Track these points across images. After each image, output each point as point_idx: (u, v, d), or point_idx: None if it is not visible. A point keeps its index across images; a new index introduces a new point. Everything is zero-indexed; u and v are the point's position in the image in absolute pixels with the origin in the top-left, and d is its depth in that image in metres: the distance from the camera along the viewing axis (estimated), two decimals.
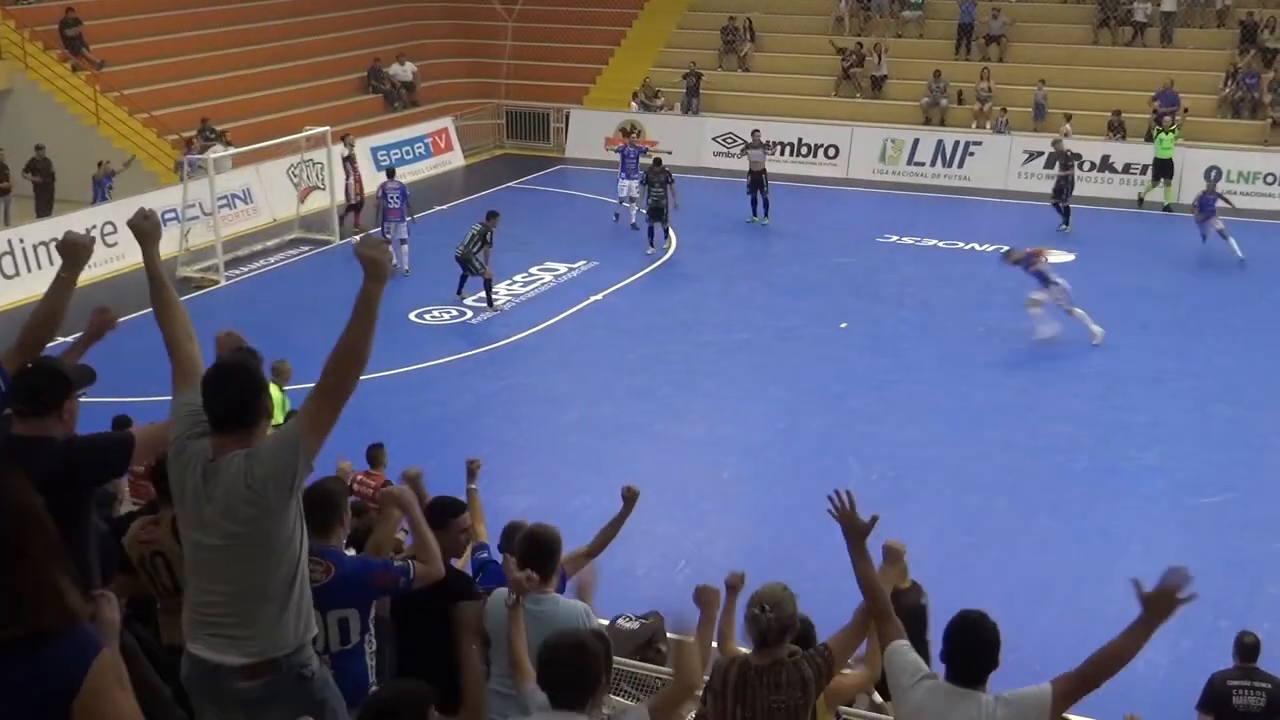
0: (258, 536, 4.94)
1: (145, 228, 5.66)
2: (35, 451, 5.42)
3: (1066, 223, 27.85)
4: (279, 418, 15.05)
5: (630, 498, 8.56)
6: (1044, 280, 21.16)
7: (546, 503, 14.46)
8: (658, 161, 27.40)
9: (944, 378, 20.05)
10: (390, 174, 26.62)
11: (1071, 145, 29.51)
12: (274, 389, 15.15)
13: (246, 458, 4.91)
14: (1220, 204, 26.06)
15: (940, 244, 27.27)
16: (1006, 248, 22.46)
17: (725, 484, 16.84)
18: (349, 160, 28.43)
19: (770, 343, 21.63)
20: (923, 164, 33.10)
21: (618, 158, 29.20)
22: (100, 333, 6.33)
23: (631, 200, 28.28)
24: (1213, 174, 29.44)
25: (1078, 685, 5.21)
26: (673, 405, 19.18)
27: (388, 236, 24.89)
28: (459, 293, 23.34)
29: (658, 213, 26.41)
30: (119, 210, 26.52)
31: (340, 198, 28.17)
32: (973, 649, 5.36)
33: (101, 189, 27.57)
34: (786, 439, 18.08)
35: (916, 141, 33.33)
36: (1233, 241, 25.29)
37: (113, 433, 5.74)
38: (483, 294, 23.23)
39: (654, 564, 14.19)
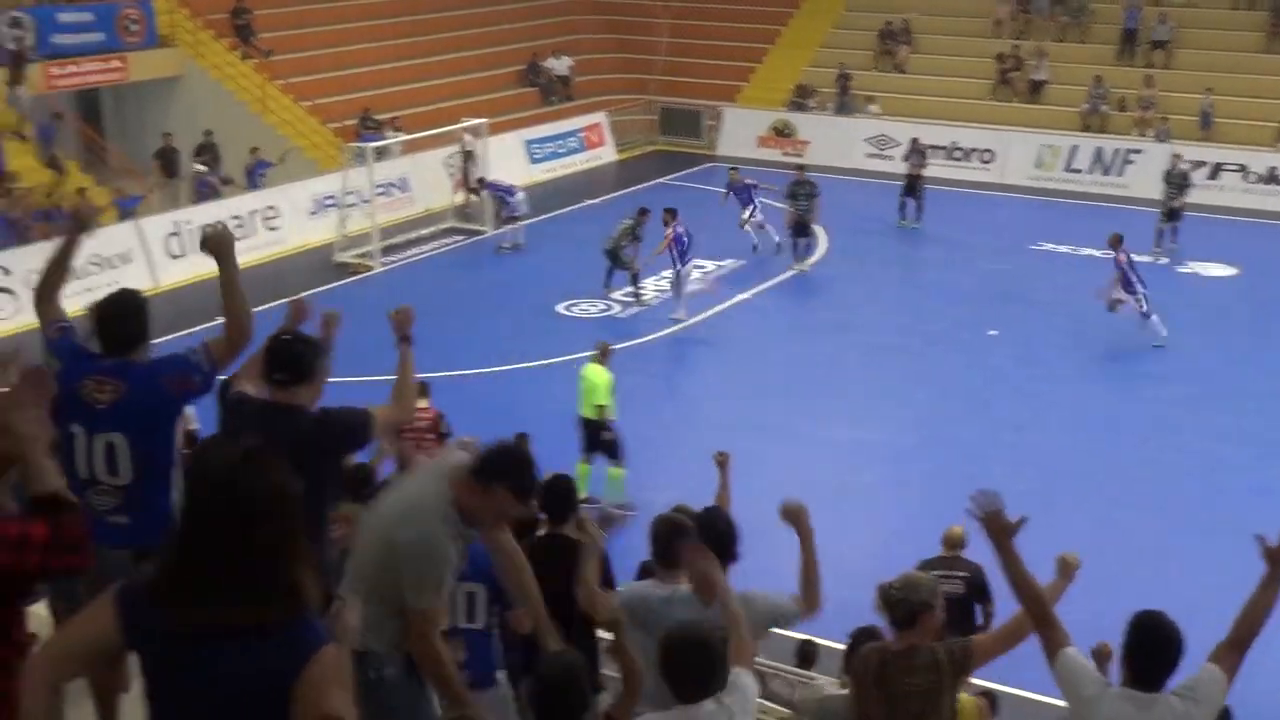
0: None
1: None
2: (290, 419, 5.71)
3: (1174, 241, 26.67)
4: (605, 398, 15.34)
5: (722, 462, 8.53)
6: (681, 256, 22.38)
7: (685, 500, 14.37)
8: (801, 169, 26.64)
9: (1095, 389, 19.56)
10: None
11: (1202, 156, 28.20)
12: (600, 369, 15.50)
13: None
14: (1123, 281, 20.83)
15: (1096, 253, 26.52)
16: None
17: (866, 488, 16.61)
18: (469, 155, 28.88)
19: (918, 347, 21.29)
20: (1080, 171, 32.36)
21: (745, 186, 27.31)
22: (298, 325, 6.47)
23: (760, 227, 26.43)
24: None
25: (1234, 654, 5.31)
26: (816, 406, 18.98)
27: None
28: (606, 286, 23.40)
29: (802, 227, 25.37)
30: (279, 196, 27.17)
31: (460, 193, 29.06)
32: (1160, 650, 5.23)
33: (254, 176, 28.17)
34: (931, 445, 17.78)
35: (1074, 148, 32.59)
36: (1151, 315, 21.12)
37: (358, 407, 6.00)
38: (630, 288, 23.25)
39: (787, 568, 14.03)
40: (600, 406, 15.52)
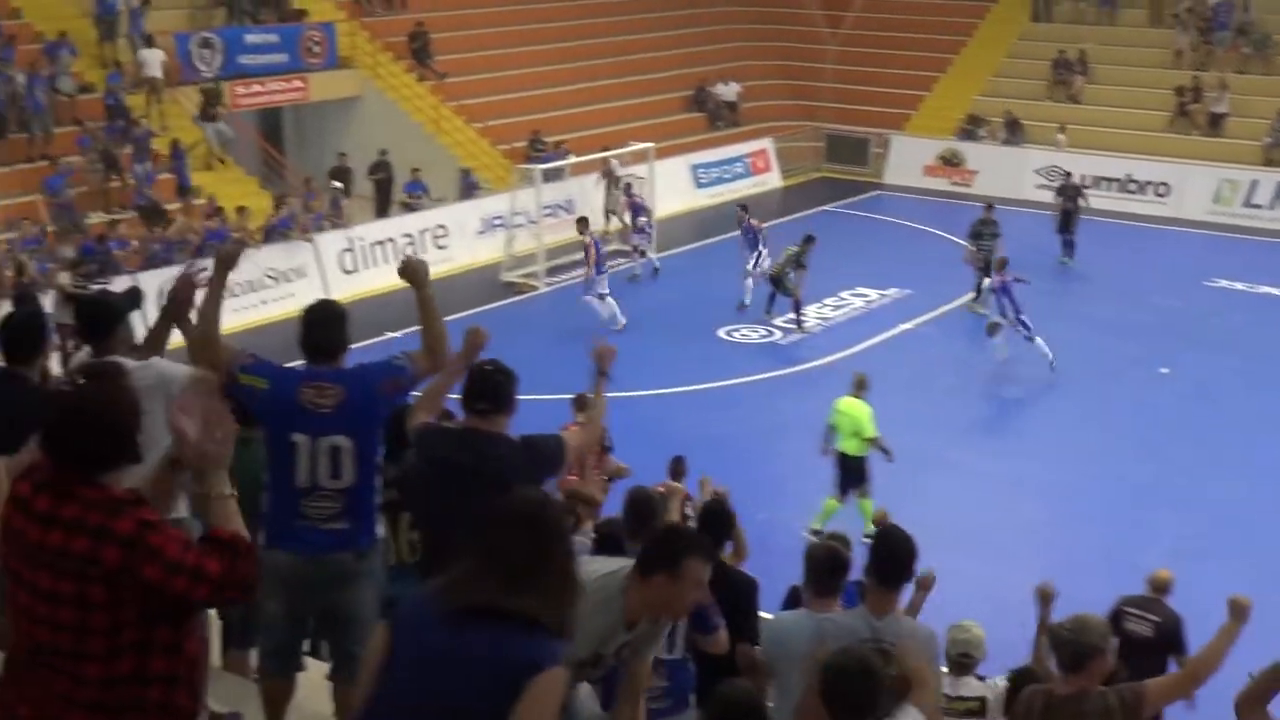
0: None
1: None
2: (493, 445, 5.93)
3: None
4: (874, 430, 15.19)
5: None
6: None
7: (842, 529, 14.24)
8: (990, 206, 25.24)
9: (1269, 430, 18.85)
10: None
11: None
12: (860, 403, 15.36)
13: None
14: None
15: (1275, 291, 25.71)
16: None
17: (1028, 524, 16.26)
18: (615, 180, 28.97)
19: (1085, 383, 20.79)
20: (1260, 206, 31.34)
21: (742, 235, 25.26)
22: (474, 354, 6.59)
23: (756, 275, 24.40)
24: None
25: None
26: (978, 440, 18.67)
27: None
28: (767, 311, 23.34)
29: (987, 268, 23.53)
30: (448, 215, 27.62)
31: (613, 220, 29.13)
32: None
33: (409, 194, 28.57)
34: (1096, 483, 17.31)
35: (1255, 183, 31.59)
36: (996, 341, 21.26)
37: (553, 434, 6.31)
38: (792, 314, 23.14)
39: (946, 600, 13.78)
40: (870, 439, 15.26)
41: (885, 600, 5.95)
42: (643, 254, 26.47)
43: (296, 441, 5.98)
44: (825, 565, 6.53)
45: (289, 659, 6.34)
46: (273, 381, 6.08)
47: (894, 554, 6.01)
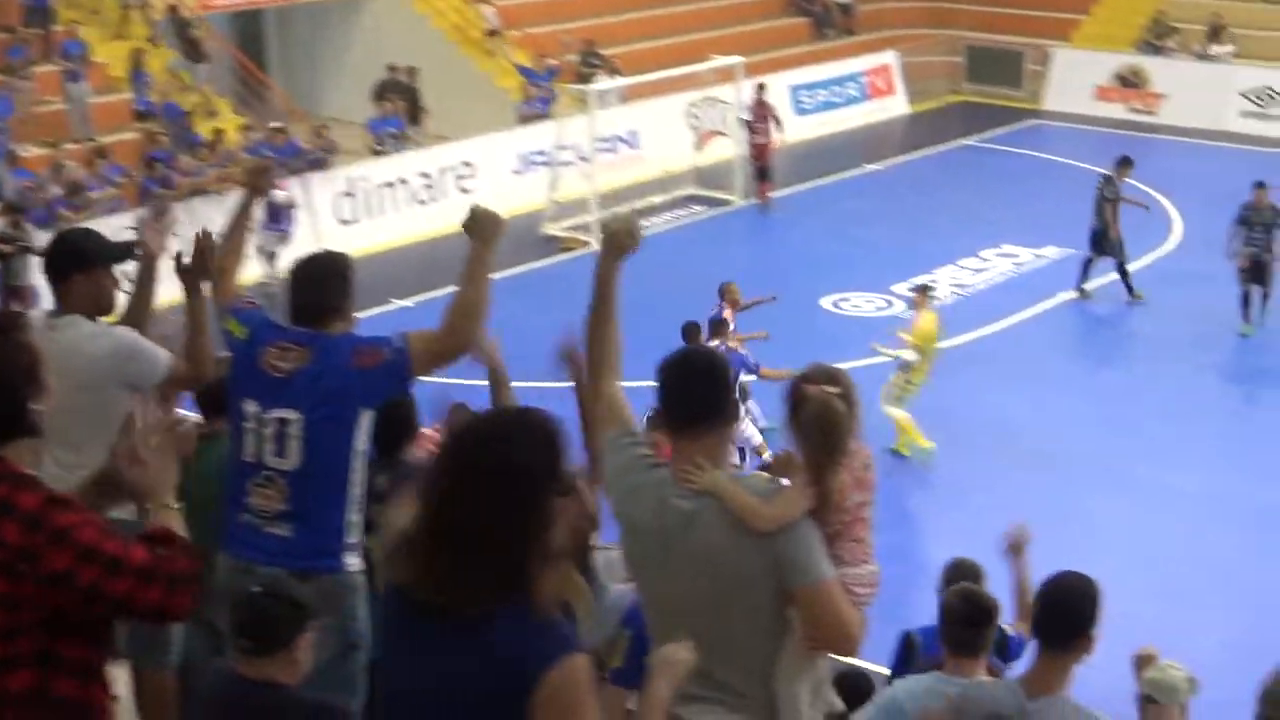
0: None
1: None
2: None
3: None
4: None
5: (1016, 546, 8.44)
6: None
7: (985, 562, 14.16)
8: (1262, 186, 22.68)
9: None
10: None
11: None
12: None
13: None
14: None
15: None
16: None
17: (1223, 556, 16.06)
18: (761, 109, 28.67)
19: None
20: None
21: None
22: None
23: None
24: None
25: None
26: (1162, 446, 18.44)
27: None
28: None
29: (1258, 270, 21.89)
30: (476, 150, 27.49)
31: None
32: None
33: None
34: None
35: None
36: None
37: None
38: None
39: (1116, 650, 13.66)
40: None
41: (1048, 671, 5.68)
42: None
43: (247, 409, 6.11)
44: (961, 616, 6.54)
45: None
46: (251, 333, 6.25)
47: (1061, 606, 5.72)
